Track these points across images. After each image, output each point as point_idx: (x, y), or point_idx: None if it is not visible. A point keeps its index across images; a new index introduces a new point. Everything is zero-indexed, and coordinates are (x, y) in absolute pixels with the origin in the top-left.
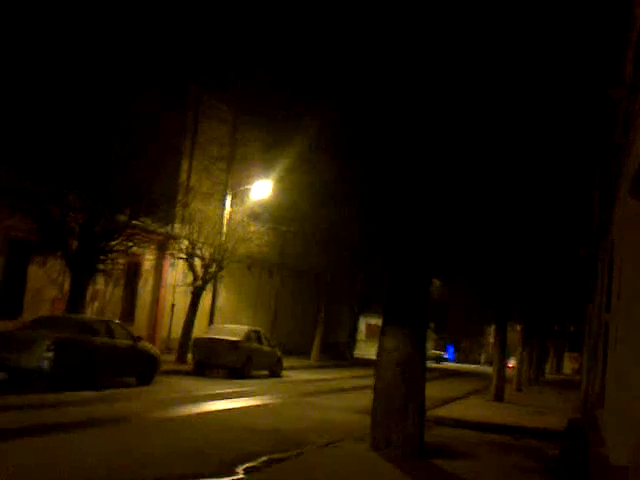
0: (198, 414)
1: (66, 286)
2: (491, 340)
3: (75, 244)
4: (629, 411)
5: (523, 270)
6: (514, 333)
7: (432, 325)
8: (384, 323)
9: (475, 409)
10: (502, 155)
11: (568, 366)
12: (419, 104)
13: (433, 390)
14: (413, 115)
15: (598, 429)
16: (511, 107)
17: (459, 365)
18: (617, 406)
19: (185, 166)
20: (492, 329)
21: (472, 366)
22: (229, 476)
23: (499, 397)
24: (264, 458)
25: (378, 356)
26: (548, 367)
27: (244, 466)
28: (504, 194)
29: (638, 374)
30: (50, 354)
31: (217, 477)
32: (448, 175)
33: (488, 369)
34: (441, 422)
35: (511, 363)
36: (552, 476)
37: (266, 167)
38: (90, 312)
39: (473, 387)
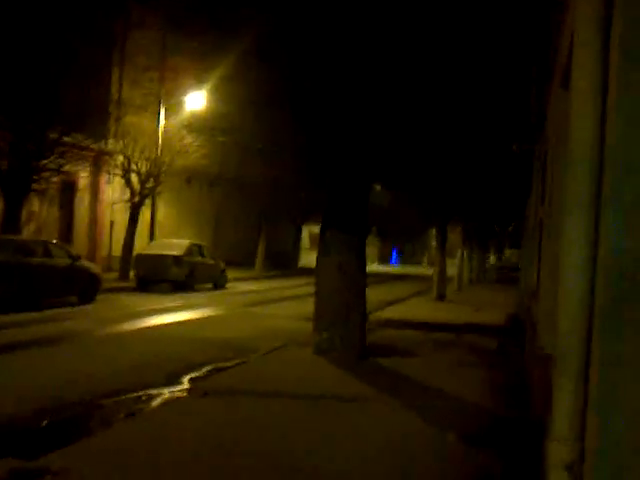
0: (142, 329)
1: None
2: (433, 243)
3: (6, 164)
4: (558, 302)
5: (461, 170)
6: (455, 234)
7: (374, 230)
8: (323, 228)
9: (418, 309)
10: (438, 53)
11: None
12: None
13: (377, 293)
14: (347, 21)
15: (533, 321)
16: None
17: (402, 268)
18: (549, 298)
19: (115, 78)
20: (434, 232)
21: (416, 268)
22: (175, 386)
23: (441, 297)
24: (210, 367)
25: (318, 262)
26: (490, 265)
27: (189, 376)
28: (440, 92)
29: (566, 265)
30: None
31: (164, 388)
32: (383, 76)
33: (431, 271)
34: (384, 323)
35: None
36: (489, 368)
37: (199, 77)
38: (26, 233)
39: (416, 289)
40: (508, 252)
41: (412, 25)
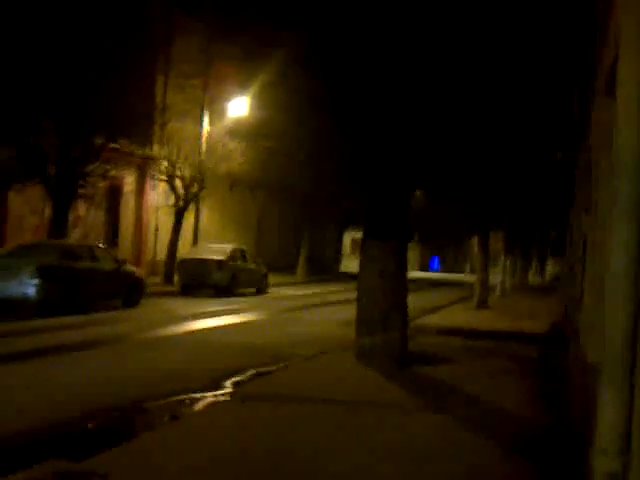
0: (185, 333)
1: (47, 213)
2: (475, 249)
3: (54, 170)
4: (601, 310)
5: (504, 177)
6: (497, 241)
7: (416, 236)
8: (365, 235)
9: (459, 317)
10: (483, 59)
11: (551, 272)
12: (396, 16)
13: (418, 300)
14: (392, 26)
15: (577, 331)
16: (491, 13)
17: (444, 275)
18: (593, 307)
19: (160, 85)
20: (476, 238)
21: (457, 275)
22: (217, 390)
23: (483, 304)
24: (252, 372)
25: (360, 268)
26: (532, 273)
27: (232, 380)
28: (485, 98)
29: (612, 274)
30: (36, 280)
31: (206, 392)
32: (427, 80)
33: (473, 278)
34: (426, 330)
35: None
36: (531, 377)
37: (243, 83)
38: (73, 238)
39: (458, 296)
40: (550, 267)
41: (458, 31)
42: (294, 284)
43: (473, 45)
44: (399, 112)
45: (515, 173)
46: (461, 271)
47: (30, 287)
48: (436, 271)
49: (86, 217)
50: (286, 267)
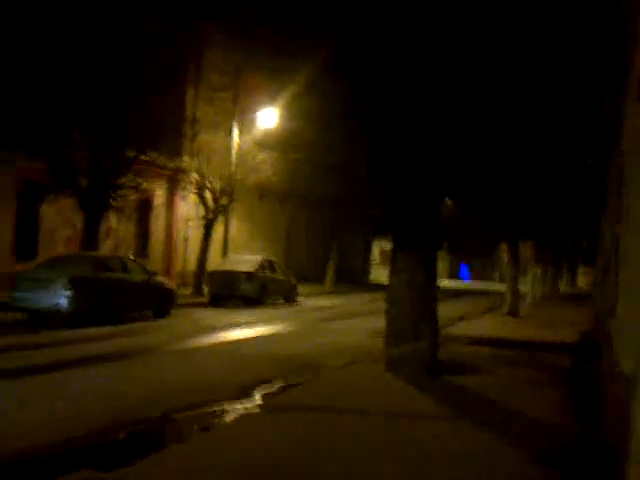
0: (215, 343)
1: (79, 225)
2: (505, 258)
3: (85, 182)
4: (636, 318)
5: (534, 184)
6: (527, 249)
7: (445, 245)
8: (394, 245)
9: (489, 326)
10: (512, 65)
11: (582, 280)
12: (424, 20)
13: (447, 309)
14: (418, 29)
15: (610, 340)
16: (521, 15)
17: (474, 284)
18: (627, 315)
19: (190, 97)
20: (505, 247)
21: (486, 284)
22: (247, 401)
23: (513, 313)
24: (281, 383)
25: (390, 278)
26: (562, 282)
27: (262, 391)
28: (514, 104)
29: None
30: (67, 292)
31: (236, 402)
32: (457, 88)
33: (502, 287)
34: (455, 340)
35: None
36: (563, 386)
37: (272, 94)
38: (104, 249)
39: (487, 305)
40: (582, 276)
41: (487, 38)
42: (323, 294)
43: (505, 50)
44: (430, 118)
45: (545, 180)
46: (490, 279)
47: (62, 298)
48: (465, 280)
49: (117, 229)
50: (315, 277)
